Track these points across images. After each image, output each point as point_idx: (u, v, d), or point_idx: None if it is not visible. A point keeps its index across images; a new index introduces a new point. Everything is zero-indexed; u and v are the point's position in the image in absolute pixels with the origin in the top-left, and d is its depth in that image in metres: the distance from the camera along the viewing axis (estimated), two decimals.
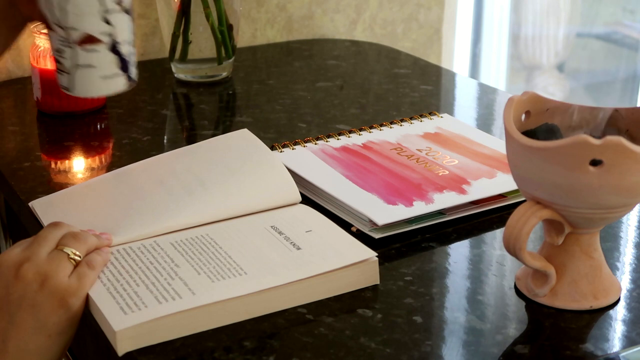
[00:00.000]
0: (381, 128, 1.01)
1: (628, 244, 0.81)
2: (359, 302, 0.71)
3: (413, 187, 0.86)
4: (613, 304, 0.70)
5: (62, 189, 0.87)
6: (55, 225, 0.73)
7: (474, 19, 2.09)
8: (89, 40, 0.76)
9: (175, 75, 1.23)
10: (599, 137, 0.62)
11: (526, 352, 0.65)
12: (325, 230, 0.78)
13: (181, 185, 0.82)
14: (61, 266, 0.68)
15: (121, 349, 0.64)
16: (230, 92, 1.22)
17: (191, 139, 1.05)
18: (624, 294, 0.72)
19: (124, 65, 0.78)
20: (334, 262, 0.72)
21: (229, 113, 1.19)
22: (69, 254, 0.69)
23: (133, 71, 0.79)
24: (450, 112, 1.11)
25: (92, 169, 0.97)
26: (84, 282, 0.68)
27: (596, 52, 2.56)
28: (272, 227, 0.78)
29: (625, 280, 0.74)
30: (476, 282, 0.75)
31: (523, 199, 0.84)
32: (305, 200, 0.85)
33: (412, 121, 1.04)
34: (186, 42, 1.19)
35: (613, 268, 0.75)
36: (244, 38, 1.43)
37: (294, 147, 0.96)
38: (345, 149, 0.95)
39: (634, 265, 0.77)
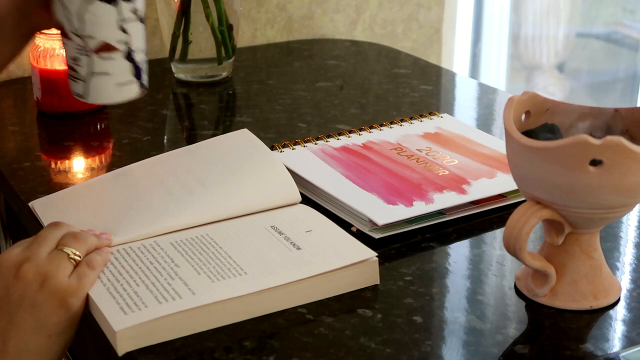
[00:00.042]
0: (381, 128, 1.01)
1: (628, 244, 0.81)
2: (359, 302, 0.71)
3: (413, 187, 0.86)
4: (613, 304, 0.70)
5: (62, 189, 0.87)
6: (55, 225, 0.73)
7: (474, 19, 2.09)
8: (106, 48, 0.77)
9: (175, 75, 1.23)
10: (599, 137, 0.62)
11: (526, 352, 0.65)
12: (325, 230, 0.78)
13: (181, 185, 0.82)
14: (61, 266, 0.68)
15: (121, 349, 0.64)
16: (230, 92, 1.22)
17: (191, 139, 1.05)
18: (624, 294, 0.72)
19: (137, 72, 0.79)
20: (334, 262, 0.72)
21: (229, 113, 1.19)
22: (69, 254, 0.69)
23: (145, 78, 0.80)
24: (450, 112, 1.11)
25: (92, 169, 0.97)
26: (84, 282, 0.68)
27: (596, 52, 2.56)
28: (272, 227, 0.78)
29: (625, 280, 0.74)
30: (476, 282, 0.75)
31: (523, 199, 0.84)
32: (305, 200, 0.85)
33: (412, 121, 1.04)
34: (186, 42, 1.19)
35: (613, 268, 0.75)
36: (244, 38, 1.43)
37: (294, 147, 0.96)
38: (345, 149, 0.95)
39: (634, 265, 0.77)
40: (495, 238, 0.81)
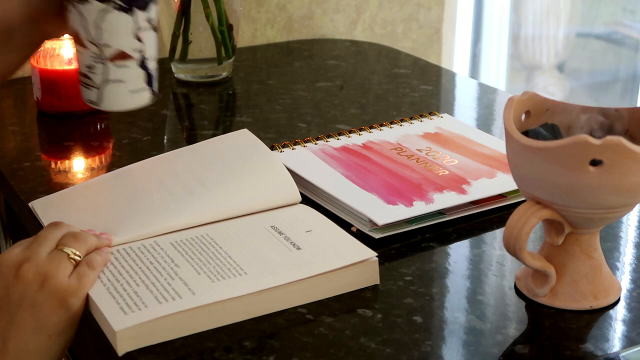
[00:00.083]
0: (381, 128, 1.01)
1: (628, 244, 0.81)
2: (359, 302, 0.71)
3: (413, 187, 0.86)
4: (613, 304, 0.70)
5: (62, 189, 0.87)
6: (55, 225, 0.73)
7: (474, 19, 2.09)
8: (121, 56, 0.78)
9: (175, 75, 1.24)
10: (599, 137, 0.62)
11: (526, 352, 0.65)
12: (325, 230, 0.78)
13: (181, 185, 0.82)
14: (61, 266, 0.68)
15: (121, 349, 0.64)
16: (230, 92, 1.22)
17: (191, 139, 1.05)
18: (624, 294, 0.72)
19: (149, 79, 0.81)
20: (334, 262, 0.72)
21: (229, 113, 1.19)
22: (69, 254, 0.69)
23: (156, 85, 0.81)
24: (450, 112, 1.11)
25: (92, 169, 0.97)
26: (84, 282, 0.68)
27: (596, 52, 2.56)
28: (272, 227, 0.78)
29: (625, 280, 0.74)
30: (476, 282, 0.75)
31: (523, 199, 0.84)
32: (305, 200, 0.85)
33: (412, 121, 1.04)
34: (186, 42, 1.19)
35: (613, 268, 0.75)
36: (244, 38, 1.43)
37: (294, 147, 0.96)
38: (345, 149, 0.95)
39: (634, 265, 0.77)
40: (495, 238, 0.81)
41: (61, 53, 1.08)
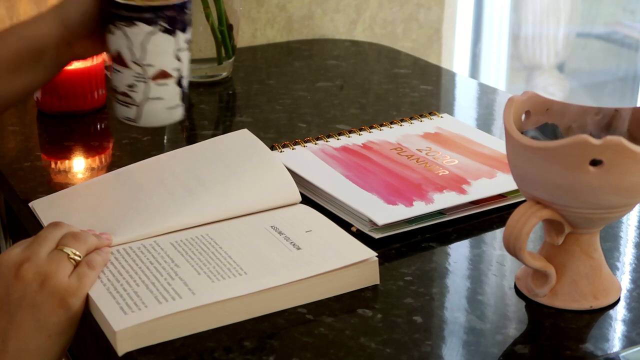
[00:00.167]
0: (381, 128, 1.01)
1: (628, 244, 0.81)
2: (359, 302, 0.71)
3: (413, 187, 0.86)
4: (613, 304, 0.70)
5: (62, 189, 0.87)
6: (55, 225, 0.73)
7: (474, 19, 2.09)
8: (162, 75, 0.83)
9: None
10: (599, 137, 0.62)
11: (526, 352, 0.65)
12: (325, 230, 0.78)
13: (181, 185, 0.82)
14: (61, 266, 0.68)
15: (121, 349, 0.64)
16: (230, 92, 1.22)
17: (191, 139, 1.05)
18: (624, 294, 0.72)
19: (183, 96, 0.86)
20: (334, 262, 0.72)
21: (229, 113, 1.19)
22: (69, 254, 0.69)
23: (187, 101, 0.86)
24: (450, 112, 1.11)
25: (92, 169, 0.97)
26: (84, 282, 0.68)
27: (596, 52, 2.56)
28: (272, 227, 0.78)
29: (625, 280, 0.74)
30: (476, 282, 0.75)
31: (523, 199, 0.84)
32: (305, 200, 0.85)
33: (412, 121, 1.04)
34: None
35: (613, 268, 0.75)
36: (244, 38, 1.43)
37: (294, 147, 0.96)
38: (345, 149, 0.95)
39: (634, 265, 0.77)
40: (495, 238, 0.82)
41: None
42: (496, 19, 2.18)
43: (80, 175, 0.96)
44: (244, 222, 0.79)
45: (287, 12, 1.46)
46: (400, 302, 0.71)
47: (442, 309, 0.71)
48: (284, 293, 0.69)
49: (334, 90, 1.21)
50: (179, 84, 0.85)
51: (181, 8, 0.83)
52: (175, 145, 1.00)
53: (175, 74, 0.84)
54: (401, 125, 1.02)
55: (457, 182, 0.87)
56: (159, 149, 1.00)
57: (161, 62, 0.83)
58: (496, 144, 0.97)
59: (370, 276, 0.73)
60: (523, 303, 0.71)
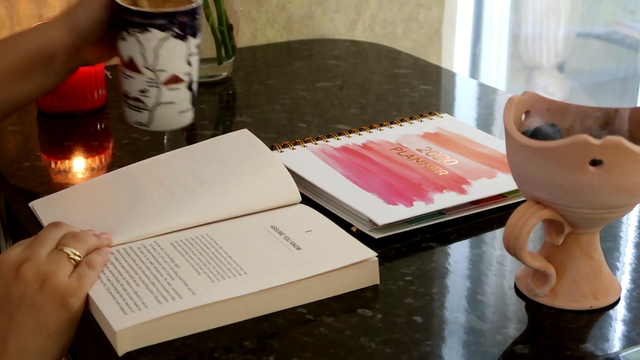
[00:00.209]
0: (381, 128, 1.01)
1: (628, 244, 0.81)
2: (359, 302, 0.71)
3: (413, 187, 0.86)
4: (613, 304, 0.70)
5: (62, 189, 0.87)
6: (55, 225, 0.73)
7: (474, 19, 2.09)
8: (174, 80, 0.85)
9: None
10: (599, 137, 0.62)
11: (526, 352, 0.65)
12: (325, 230, 0.78)
13: (181, 185, 0.82)
14: (61, 266, 0.68)
15: (121, 349, 0.64)
16: (230, 92, 1.22)
17: (191, 139, 1.05)
18: (624, 294, 0.72)
19: (193, 100, 0.88)
20: (334, 262, 0.72)
21: (229, 113, 1.19)
22: (69, 254, 0.69)
23: (196, 104, 0.89)
24: (450, 112, 1.11)
25: (92, 169, 0.97)
26: (84, 282, 0.68)
27: (596, 52, 2.56)
28: (272, 227, 0.78)
29: (625, 280, 0.74)
30: (476, 282, 0.75)
31: (523, 199, 0.84)
32: (305, 200, 0.85)
33: (412, 121, 1.04)
34: None
35: (613, 268, 0.75)
36: (244, 38, 1.43)
37: (294, 147, 0.96)
38: (345, 149, 0.95)
39: (634, 265, 0.77)
40: (495, 238, 0.82)
41: None
42: (496, 19, 2.18)
43: (80, 175, 0.96)
44: (244, 222, 0.79)
45: (287, 12, 1.46)
46: (400, 302, 0.71)
47: (442, 309, 0.71)
48: (284, 293, 0.69)
49: (334, 90, 1.21)
50: (190, 88, 0.87)
51: (192, 13, 0.85)
52: (175, 145, 1.00)
53: (186, 78, 0.86)
54: (401, 125, 1.02)
55: (457, 182, 0.87)
56: (159, 149, 1.00)
57: (173, 67, 0.85)
58: (496, 144, 0.97)
59: (370, 276, 0.73)
60: (523, 303, 0.71)
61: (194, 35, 0.86)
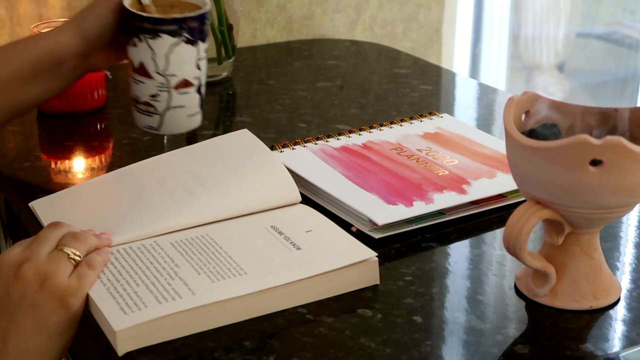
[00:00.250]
0: (381, 128, 1.01)
1: (628, 244, 0.81)
2: (359, 302, 0.71)
3: (413, 187, 0.86)
4: (613, 304, 0.70)
5: (62, 189, 0.87)
6: (55, 225, 0.73)
7: (474, 19, 2.09)
8: (184, 84, 0.87)
9: None
10: (599, 137, 0.62)
11: (526, 352, 0.65)
12: (325, 230, 0.78)
13: (181, 185, 0.82)
14: (61, 266, 0.68)
15: (121, 349, 0.64)
16: (230, 92, 1.22)
17: (191, 139, 1.05)
18: (624, 294, 0.72)
19: (202, 103, 0.89)
20: (334, 262, 0.72)
21: (229, 113, 1.19)
22: (69, 254, 0.69)
23: (204, 107, 0.90)
24: (450, 112, 1.11)
25: (92, 169, 0.97)
26: (84, 282, 0.68)
27: (596, 52, 2.56)
28: (272, 227, 0.78)
29: (625, 280, 0.74)
30: (476, 282, 0.75)
31: (523, 199, 0.84)
32: (305, 200, 0.85)
33: (412, 121, 1.04)
34: None
35: (613, 268, 0.75)
36: (244, 38, 1.43)
37: (294, 147, 0.96)
38: (345, 149, 0.95)
39: (634, 265, 0.77)
40: (495, 238, 0.81)
41: None
42: (496, 19, 2.18)
43: (80, 175, 0.96)
44: (244, 222, 0.79)
45: (287, 12, 1.46)
46: (400, 302, 0.71)
47: (442, 309, 0.71)
48: (284, 293, 0.69)
49: (334, 90, 1.21)
50: (199, 91, 0.89)
51: (202, 19, 0.86)
52: (175, 145, 1.00)
53: (195, 82, 0.87)
54: (401, 125, 1.02)
55: (457, 182, 0.87)
56: (159, 149, 1.00)
57: (184, 72, 0.86)
58: (496, 144, 0.97)
59: (370, 276, 0.73)
60: (523, 303, 0.71)
61: (203, 40, 0.87)
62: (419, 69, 1.32)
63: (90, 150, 1.02)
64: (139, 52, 0.86)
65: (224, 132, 0.95)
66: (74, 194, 0.86)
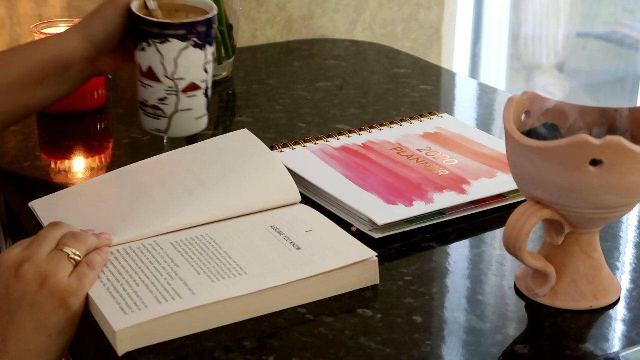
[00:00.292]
0: (381, 128, 1.01)
1: (628, 244, 0.81)
2: (359, 302, 0.71)
3: (413, 187, 0.86)
4: (613, 304, 0.70)
5: (62, 189, 0.87)
6: (55, 225, 0.73)
7: (474, 19, 2.09)
8: (192, 87, 0.88)
9: None
10: (599, 137, 0.62)
11: (526, 352, 0.65)
12: (325, 230, 0.78)
13: (181, 185, 0.82)
14: (61, 266, 0.68)
15: (121, 349, 0.64)
16: (230, 92, 1.22)
17: (191, 139, 1.05)
18: (624, 294, 0.72)
19: (208, 106, 0.90)
20: (334, 262, 0.72)
21: (229, 113, 1.19)
22: (69, 254, 0.69)
23: (210, 110, 0.92)
24: (450, 112, 1.11)
25: (92, 169, 0.97)
26: (84, 282, 0.68)
27: (596, 52, 2.56)
28: (272, 227, 0.78)
29: (625, 280, 0.74)
30: (476, 282, 0.75)
31: (523, 199, 0.84)
32: (305, 200, 0.85)
33: (412, 121, 1.04)
34: None
35: (613, 268, 0.75)
36: (244, 38, 1.43)
37: (294, 147, 0.96)
38: (345, 149, 0.95)
39: (634, 265, 0.77)
40: (495, 238, 0.81)
41: None
42: (496, 19, 2.18)
43: (80, 175, 0.96)
44: (244, 222, 0.79)
45: (287, 12, 1.46)
46: (400, 302, 0.71)
47: (442, 309, 0.71)
48: (284, 293, 0.69)
49: (334, 90, 1.21)
50: (206, 94, 0.90)
51: (209, 23, 0.88)
52: (175, 145, 1.00)
53: (203, 85, 0.89)
54: (401, 125, 1.02)
55: (457, 182, 0.87)
56: (159, 149, 1.00)
57: (192, 75, 0.87)
58: (496, 144, 0.97)
59: (370, 276, 0.73)
60: (523, 303, 0.71)
61: (210, 44, 0.88)
62: (419, 69, 1.32)
63: (90, 150, 1.02)
64: (148, 56, 0.87)
65: (224, 132, 0.95)
66: (74, 194, 0.86)
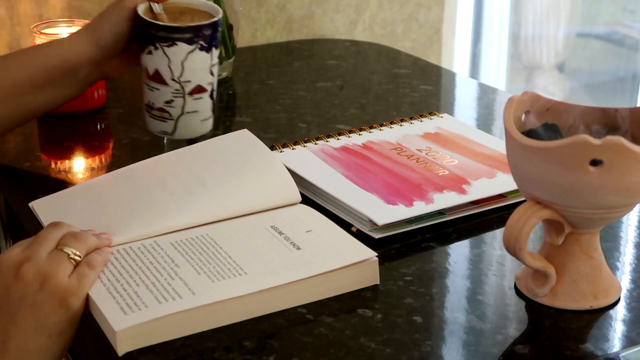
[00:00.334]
0: (381, 128, 1.01)
1: (628, 244, 0.81)
2: (359, 302, 0.71)
3: (413, 187, 0.86)
4: (613, 304, 0.70)
5: (62, 189, 0.87)
6: (55, 225, 0.73)
7: (474, 19, 2.09)
8: (198, 90, 0.89)
9: None
10: (599, 137, 0.62)
11: (526, 352, 0.65)
12: (325, 230, 0.78)
13: (181, 185, 0.82)
14: (61, 266, 0.68)
15: (121, 349, 0.65)
16: (230, 92, 1.22)
17: (191, 140, 1.05)
18: (624, 294, 0.72)
19: (213, 107, 0.92)
20: (334, 262, 0.72)
21: (229, 113, 1.19)
22: (69, 254, 0.69)
23: (215, 112, 0.92)
24: (450, 112, 1.11)
25: (92, 169, 0.97)
26: (84, 282, 0.68)
27: (596, 52, 2.56)
28: (272, 227, 0.78)
29: (625, 280, 0.74)
30: (476, 282, 0.75)
31: (523, 199, 0.84)
32: (305, 200, 0.85)
33: (412, 121, 1.04)
34: None
35: (613, 268, 0.75)
36: (244, 38, 1.43)
37: (294, 147, 0.96)
38: (345, 149, 0.95)
39: (634, 265, 0.77)
40: (495, 238, 0.82)
41: None
42: (496, 19, 2.18)
43: (80, 175, 0.96)
44: (244, 222, 0.79)
45: (287, 12, 1.46)
46: (400, 302, 0.71)
47: (442, 309, 0.71)
48: (284, 293, 0.69)
49: (334, 90, 1.21)
50: (211, 96, 0.90)
51: (215, 26, 0.88)
52: (175, 145, 1.00)
53: (209, 87, 0.89)
54: (401, 125, 1.02)
55: (457, 182, 0.87)
56: (159, 149, 1.00)
57: (198, 78, 0.88)
58: (496, 144, 0.97)
59: (370, 276, 0.73)
60: (523, 303, 0.71)
61: (216, 47, 0.89)
62: (419, 69, 1.32)
63: (90, 150, 1.02)
64: (155, 59, 0.87)
65: (224, 132, 0.95)
66: (74, 194, 0.86)
